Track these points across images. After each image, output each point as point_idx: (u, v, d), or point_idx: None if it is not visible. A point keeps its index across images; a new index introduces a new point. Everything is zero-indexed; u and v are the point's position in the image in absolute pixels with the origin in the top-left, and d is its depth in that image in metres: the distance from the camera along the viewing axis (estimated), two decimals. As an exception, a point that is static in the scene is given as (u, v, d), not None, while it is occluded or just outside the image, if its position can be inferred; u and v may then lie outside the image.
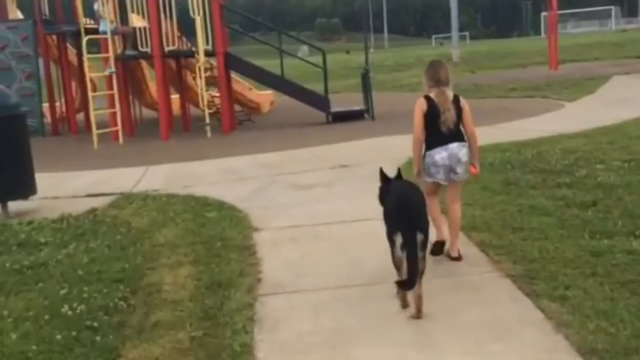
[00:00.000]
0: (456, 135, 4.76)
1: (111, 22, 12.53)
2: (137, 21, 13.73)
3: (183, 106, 14.93)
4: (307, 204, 6.70)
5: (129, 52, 13.30)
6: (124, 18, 13.54)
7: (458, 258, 4.80)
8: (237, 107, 16.17)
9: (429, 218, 4.36)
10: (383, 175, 4.54)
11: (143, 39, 12.98)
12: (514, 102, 14.93)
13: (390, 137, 10.55)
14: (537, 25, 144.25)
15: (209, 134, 12.88)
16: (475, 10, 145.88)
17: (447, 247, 4.88)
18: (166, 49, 13.02)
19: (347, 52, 76.97)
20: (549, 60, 26.59)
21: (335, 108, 14.65)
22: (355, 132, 12.08)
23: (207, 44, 13.34)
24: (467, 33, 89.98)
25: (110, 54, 12.70)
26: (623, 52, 36.30)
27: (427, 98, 4.74)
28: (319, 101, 14.03)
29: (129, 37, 13.22)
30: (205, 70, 14.35)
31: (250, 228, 5.93)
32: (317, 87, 14.71)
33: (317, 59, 15.14)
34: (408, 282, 3.86)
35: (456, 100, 4.78)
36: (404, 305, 4.04)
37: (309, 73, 14.41)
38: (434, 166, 4.76)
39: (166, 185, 8.06)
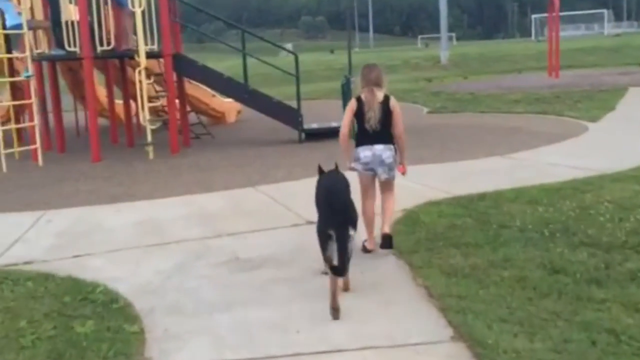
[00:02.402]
0: (382, 135, 5.00)
1: (19, 13, 9.95)
2: (73, 14, 11.16)
3: (127, 117, 12.39)
4: (246, 306, 4.24)
5: (55, 51, 10.73)
6: (55, 10, 10.96)
7: (387, 236, 4.97)
8: (195, 118, 13.68)
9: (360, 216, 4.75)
10: (319, 170, 4.89)
11: (71, 35, 10.43)
12: (523, 119, 12.55)
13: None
14: (523, 28, 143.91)
15: (150, 156, 10.38)
16: (462, 11, 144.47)
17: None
18: (99, 48, 10.48)
19: (332, 51, 74.74)
20: (548, 67, 24.35)
21: (309, 123, 12.21)
22: (332, 156, 9.63)
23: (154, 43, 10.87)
24: (453, 34, 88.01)
25: (27, 53, 10.17)
26: (621, 57, 34.32)
27: (358, 98, 5.05)
28: (289, 116, 11.56)
29: (54, 34, 10.65)
30: (155, 75, 11.90)
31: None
32: (293, 91, 12.25)
33: (301, 57, 12.76)
34: (340, 268, 4.02)
35: (385, 101, 4.98)
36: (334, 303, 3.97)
37: (286, 75, 11.96)
38: (357, 162, 5.10)
39: (52, 250, 5.57)
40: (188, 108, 13.57)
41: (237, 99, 12.10)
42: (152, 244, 5.59)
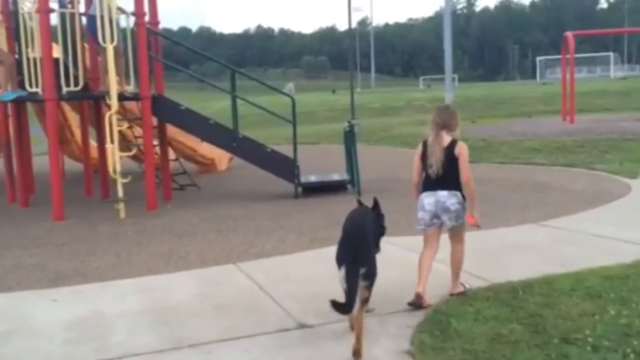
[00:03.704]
0: (446, 181, 4.77)
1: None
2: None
3: (102, 165, 10.92)
4: None
5: (15, 92, 9.33)
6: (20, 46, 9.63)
7: (459, 293, 4.82)
8: (180, 166, 12.25)
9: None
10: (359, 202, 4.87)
11: (32, 74, 9.04)
12: (549, 173, 11.09)
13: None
14: (523, 70, 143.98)
15: (121, 214, 8.90)
16: (462, 52, 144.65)
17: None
18: (65, 89, 9.09)
19: (333, 91, 73.80)
20: (562, 111, 23.04)
21: (308, 174, 10.76)
22: (332, 220, 8.16)
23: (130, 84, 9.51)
24: (455, 75, 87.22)
25: (-22, 94, 8.80)
26: (632, 102, 33.09)
27: (425, 142, 4.86)
28: (284, 167, 10.10)
29: (12, 72, 9.27)
30: (135, 119, 10.53)
31: None
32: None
33: (303, 97, 11.38)
34: (344, 305, 3.92)
35: (452, 145, 4.74)
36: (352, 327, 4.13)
37: (286, 114, 10.56)
38: (422, 210, 4.87)
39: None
40: (172, 155, 12.17)
41: (224, 147, 10.64)
42: (83, 361, 4.06)
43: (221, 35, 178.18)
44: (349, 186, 10.35)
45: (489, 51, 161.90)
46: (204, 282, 5.66)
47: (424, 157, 4.83)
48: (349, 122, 10.56)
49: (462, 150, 4.75)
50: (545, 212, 7.84)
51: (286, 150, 10.54)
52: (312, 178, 10.55)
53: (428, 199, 4.83)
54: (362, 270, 4.05)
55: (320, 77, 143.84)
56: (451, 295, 4.86)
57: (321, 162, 14.47)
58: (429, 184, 4.83)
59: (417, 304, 4.65)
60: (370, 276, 4.12)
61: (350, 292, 3.96)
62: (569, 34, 21.98)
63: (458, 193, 4.79)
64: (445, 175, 4.74)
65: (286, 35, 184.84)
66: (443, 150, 4.72)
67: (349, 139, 10.30)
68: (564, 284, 5.06)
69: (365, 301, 4.09)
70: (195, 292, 5.33)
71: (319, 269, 5.92)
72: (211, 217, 8.76)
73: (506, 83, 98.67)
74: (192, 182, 11.69)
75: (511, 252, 6.17)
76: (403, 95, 52.39)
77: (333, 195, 10.05)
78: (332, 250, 6.60)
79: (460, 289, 4.93)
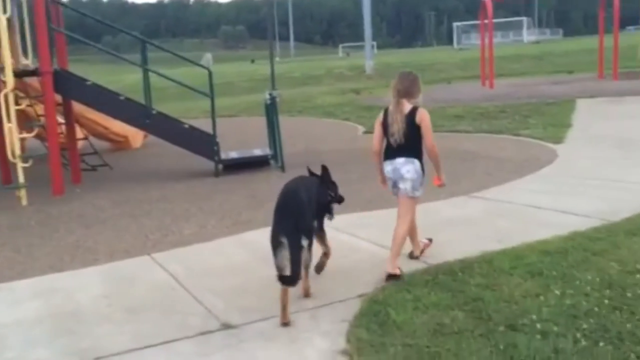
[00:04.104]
0: (406, 149, 4.70)
1: None
2: None
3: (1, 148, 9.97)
4: None
5: None
6: None
7: (392, 276, 4.56)
8: (90, 145, 11.44)
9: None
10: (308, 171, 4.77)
11: None
12: (476, 140, 10.93)
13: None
14: (440, 36, 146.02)
15: (23, 202, 8.13)
16: (380, 19, 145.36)
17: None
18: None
19: (252, 61, 72.62)
20: (481, 76, 23.19)
21: (229, 150, 10.20)
22: (255, 199, 7.68)
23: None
24: (374, 42, 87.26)
25: None
26: (546, 65, 33.88)
27: (386, 110, 4.79)
28: (203, 144, 9.50)
29: None
30: (36, 97, 9.66)
31: None
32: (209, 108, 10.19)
33: (221, 68, 10.72)
34: (291, 277, 3.86)
35: (413, 112, 4.66)
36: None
37: (205, 86, 9.92)
38: (387, 178, 4.85)
39: None
40: (81, 134, 11.34)
41: (136, 125, 9.92)
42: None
43: (134, 5, 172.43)
44: (272, 161, 9.86)
45: (406, 18, 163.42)
46: (114, 279, 5.09)
47: (385, 125, 4.74)
48: (269, 94, 10.02)
49: (423, 117, 4.66)
50: (476, 182, 7.61)
51: (205, 124, 9.95)
52: (233, 154, 10.01)
53: (387, 168, 4.80)
54: (304, 242, 4.07)
55: (238, 47, 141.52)
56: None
57: (242, 135, 13.92)
58: (390, 152, 4.77)
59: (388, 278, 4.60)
60: (310, 245, 4.17)
61: (296, 263, 3.91)
62: (486, -1, 21.99)
63: (416, 161, 4.70)
64: (406, 143, 4.66)
65: (202, 4, 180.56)
66: (404, 118, 4.63)
67: (271, 111, 9.79)
68: (503, 262, 4.78)
69: (307, 267, 4.24)
70: (103, 292, 4.75)
71: (243, 257, 5.46)
72: (124, 201, 8.12)
73: (424, 49, 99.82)
74: (104, 162, 10.92)
75: (445, 228, 5.87)
76: (323, 64, 51.99)
77: (256, 172, 9.55)
78: (256, 235, 6.18)
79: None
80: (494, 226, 5.78)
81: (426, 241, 5.19)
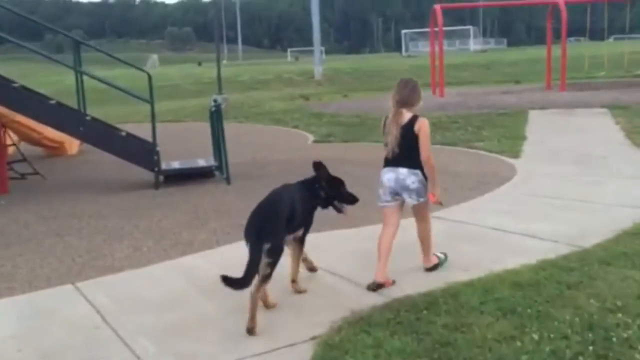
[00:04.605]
0: (407, 159, 4.63)
1: None
2: None
3: None
4: None
5: None
6: None
7: (432, 267, 4.81)
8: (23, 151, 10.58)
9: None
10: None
11: None
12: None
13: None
14: (388, 42, 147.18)
15: (-64, 216, 7.32)
16: (329, 25, 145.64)
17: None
18: None
19: (199, 63, 71.46)
20: (432, 84, 22.99)
21: (170, 162, 9.53)
22: (198, 216, 7.06)
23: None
24: (323, 47, 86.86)
25: None
26: (494, 75, 34.06)
27: (386, 117, 4.74)
28: (142, 153, 8.81)
29: None
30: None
31: None
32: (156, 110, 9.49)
33: (167, 70, 10.03)
34: (239, 280, 3.76)
35: (412, 121, 4.61)
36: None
37: (159, 91, 9.25)
38: (382, 186, 4.75)
39: None
40: (9, 140, 10.49)
41: (70, 132, 9.16)
42: None
43: (77, 4, 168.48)
44: (216, 173, 9.24)
45: (354, 24, 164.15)
46: (29, 314, 4.41)
47: (383, 134, 4.73)
48: (215, 100, 9.39)
49: (422, 126, 4.62)
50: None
51: (147, 129, 9.23)
52: (175, 164, 9.34)
53: (387, 175, 4.72)
54: (266, 246, 3.91)
55: (185, 49, 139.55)
56: (426, 270, 4.82)
57: (187, 143, 13.24)
58: (389, 160, 4.71)
59: (373, 288, 4.52)
60: (274, 253, 3.98)
61: (249, 267, 3.81)
62: (437, 7, 21.81)
63: (418, 172, 4.65)
64: (405, 153, 4.61)
65: (148, 4, 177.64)
66: (401, 128, 4.58)
67: (216, 119, 9.16)
68: (471, 296, 4.32)
69: (265, 278, 3.98)
70: (14, 332, 4.08)
71: (181, 287, 4.85)
72: (52, 216, 7.38)
73: (372, 56, 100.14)
74: (34, 171, 10.10)
75: (404, 253, 5.37)
76: (272, 68, 51.44)
77: (199, 184, 8.91)
78: (197, 259, 5.57)
79: (434, 261, 4.88)
80: (458, 252, 5.32)
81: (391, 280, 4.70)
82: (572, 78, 22.70)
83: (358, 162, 9.82)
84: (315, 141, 12.65)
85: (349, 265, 5.09)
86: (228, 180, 8.78)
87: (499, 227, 5.95)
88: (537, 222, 6.09)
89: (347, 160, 10.17)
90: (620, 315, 3.95)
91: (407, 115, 4.62)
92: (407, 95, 4.65)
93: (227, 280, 3.73)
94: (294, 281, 4.54)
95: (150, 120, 8.91)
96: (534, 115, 14.45)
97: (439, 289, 4.47)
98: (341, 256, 5.36)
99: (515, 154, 9.75)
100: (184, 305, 4.43)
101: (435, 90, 22.21)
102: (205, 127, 10.55)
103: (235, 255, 5.39)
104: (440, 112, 16.14)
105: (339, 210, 4.77)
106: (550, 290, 4.38)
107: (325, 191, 4.64)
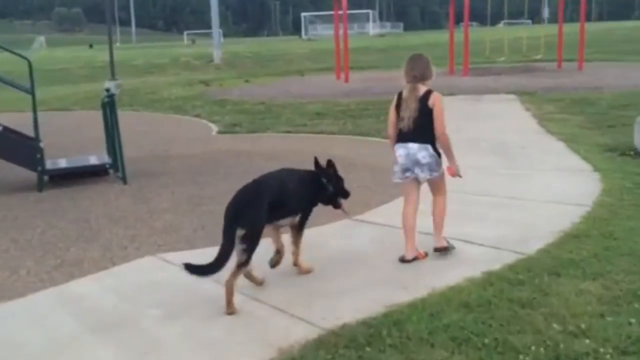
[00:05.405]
0: (418, 134, 4.67)
1: None
2: None
3: None
4: None
5: None
6: None
7: (441, 248, 4.81)
8: None
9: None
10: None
11: None
12: (343, 144, 9.91)
13: (153, 257, 4.90)
14: (285, 25, 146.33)
15: None
16: (226, 7, 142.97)
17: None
18: None
19: (91, 46, 68.16)
20: (336, 69, 22.52)
21: (57, 159, 8.44)
22: (88, 225, 6.11)
23: None
24: (220, 30, 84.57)
25: None
26: (392, 59, 33.92)
27: (400, 94, 4.77)
28: (22, 151, 7.69)
29: None
30: None
31: None
32: (50, 96, 8.34)
33: (55, 52, 8.83)
34: (206, 266, 3.69)
35: (426, 96, 4.64)
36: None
37: (44, 74, 8.08)
38: (395, 162, 4.80)
39: None
40: None
41: None
42: None
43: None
44: (111, 171, 8.25)
45: (251, 6, 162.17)
46: None
47: (398, 108, 4.73)
48: (107, 90, 8.36)
49: (436, 101, 4.65)
50: (357, 200, 6.51)
51: (31, 119, 8.06)
52: (62, 163, 8.26)
53: (399, 151, 4.75)
54: (241, 232, 3.82)
55: (74, 30, 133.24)
56: (435, 250, 4.81)
57: (77, 135, 12.08)
58: (401, 136, 4.74)
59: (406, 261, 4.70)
60: (250, 240, 3.87)
61: (221, 252, 3.73)
62: (341, -11, 21.28)
63: (429, 146, 4.68)
64: (418, 128, 4.65)
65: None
66: (417, 103, 4.61)
67: (109, 111, 8.15)
68: (417, 324, 3.71)
69: (241, 265, 3.89)
70: None
71: (67, 327, 3.96)
72: None
73: (271, 39, 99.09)
74: None
75: (333, 269, 4.73)
76: (167, 51, 49.69)
77: (91, 184, 7.91)
78: (87, 285, 4.61)
79: (444, 243, 4.83)
80: (393, 264, 4.72)
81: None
82: (472, 63, 22.82)
83: (268, 155, 9.08)
84: (219, 132, 11.78)
85: (278, 289, 4.37)
86: (124, 179, 7.82)
87: (430, 230, 5.37)
88: (471, 224, 5.60)
89: (257, 154, 9.42)
90: (587, 341, 3.47)
91: (422, 90, 4.65)
92: (423, 70, 4.69)
93: (192, 268, 3.65)
94: (295, 264, 4.55)
95: (45, 103, 7.79)
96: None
97: (379, 314, 3.85)
98: (275, 276, 4.62)
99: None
100: (68, 354, 3.57)
101: (340, 75, 21.75)
102: (98, 117, 9.48)
103: (134, 280, 4.58)
104: (348, 98, 15.67)
105: (339, 207, 4.74)
106: (503, 312, 3.85)
107: (334, 187, 4.65)
